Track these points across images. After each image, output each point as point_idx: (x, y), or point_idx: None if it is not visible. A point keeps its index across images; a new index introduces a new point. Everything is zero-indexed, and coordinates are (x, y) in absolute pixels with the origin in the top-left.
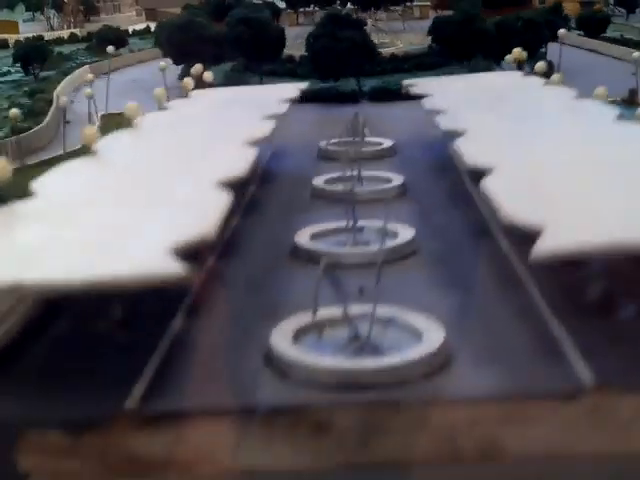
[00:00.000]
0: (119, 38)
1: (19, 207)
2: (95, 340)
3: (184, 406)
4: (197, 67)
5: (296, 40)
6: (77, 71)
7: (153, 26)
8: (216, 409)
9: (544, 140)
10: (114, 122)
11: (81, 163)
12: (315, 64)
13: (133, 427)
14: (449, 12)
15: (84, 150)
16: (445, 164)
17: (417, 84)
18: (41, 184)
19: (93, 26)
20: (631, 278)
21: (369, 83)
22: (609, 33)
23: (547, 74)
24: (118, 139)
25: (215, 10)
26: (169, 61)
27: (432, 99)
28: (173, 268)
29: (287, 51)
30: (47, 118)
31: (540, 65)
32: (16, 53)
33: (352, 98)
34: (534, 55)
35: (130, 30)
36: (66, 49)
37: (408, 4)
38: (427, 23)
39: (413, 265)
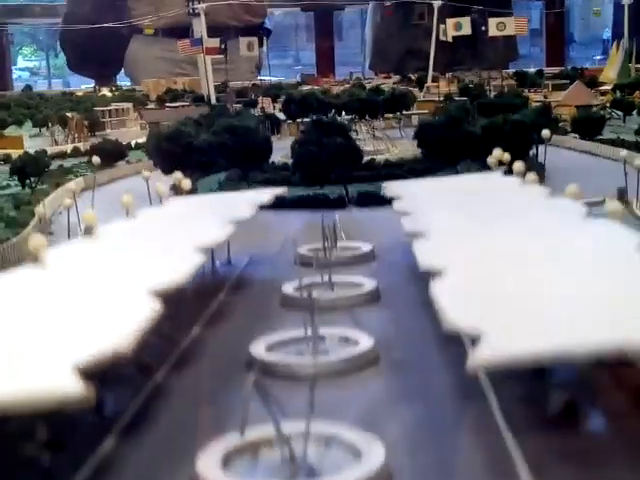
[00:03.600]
0: (118, 151)
1: None
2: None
3: None
4: (177, 176)
5: None
6: (69, 183)
7: None
8: None
9: (504, 239)
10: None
11: (24, 272)
12: (300, 171)
13: None
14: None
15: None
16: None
17: (394, 186)
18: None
19: (97, 141)
20: (597, 387)
21: (359, 189)
22: (605, 135)
23: (540, 176)
24: (68, 249)
25: (214, 123)
26: (158, 172)
27: (402, 201)
28: (71, 388)
29: (282, 159)
30: (28, 228)
31: (518, 166)
32: (13, 166)
33: (339, 204)
34: (523, 157)
35: (133, 143)
36: (68, 162)
37: (405, 112)
38: None
39: (367, 377)
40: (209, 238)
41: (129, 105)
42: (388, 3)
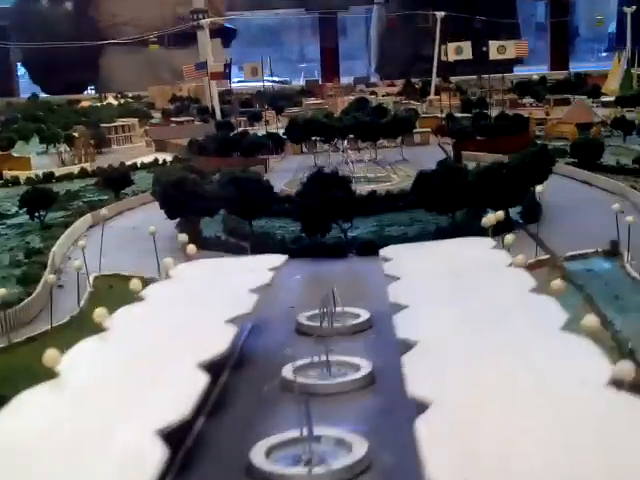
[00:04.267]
0: (124, 178)
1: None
2: None
3: None
4: (181, 238)
5: (297, 174)
6: (77, 222)
7: (161, 157)
8: None
9: (483, 349)
10: (106, 290)
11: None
12: (302, 222)
13: None
14: (448, 141)
15: (73, 323)
16: None
17: (390, 252)
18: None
19: (104, 158)
20: None
21: (363, 225)
22: (606, 157)
23: (533, 217)
24: (125, 315)
25: (220, 146)
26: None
27: (392, 264)
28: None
29: (285, 188)
30: (38, 289)
31: (508, 238)
32: (22, 199)
33: (339, 252)
34: (520, 201)
35: (138, 163)
36: (75, 185)
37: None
38: (428, 149)
39: None
40: (235, 309)
41: (134, 121)
42: (392, 15)
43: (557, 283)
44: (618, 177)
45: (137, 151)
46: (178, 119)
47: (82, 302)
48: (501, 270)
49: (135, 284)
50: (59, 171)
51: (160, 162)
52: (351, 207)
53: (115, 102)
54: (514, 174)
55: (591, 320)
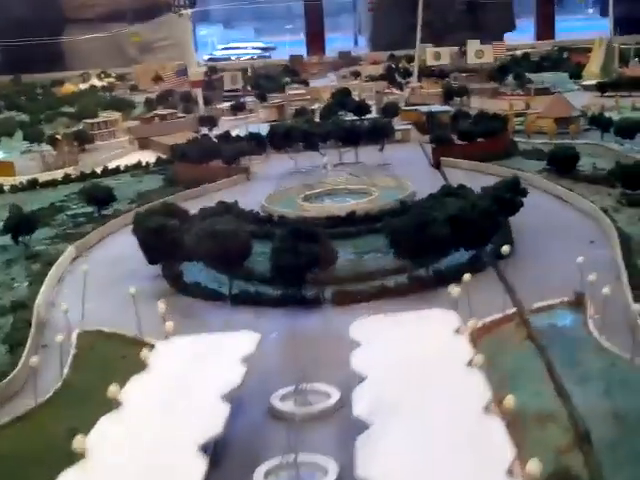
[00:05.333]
0: (106, 197)
1: None
2: None
3: None
4: (160, 308)
5: (278, 184)
6: (62, 257)
7: (144, 158)
8: None
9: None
10: (89, 351)
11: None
12: (278, 276)
13: None
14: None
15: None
16: None
17: (358, 325)
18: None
19: (87, 157)
20: None
21: (342, 249)
22: (583, 160)
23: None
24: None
25: (201, 154)
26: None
27: (359, 335)
28: None
29: (267, 205)
30: (21, 361)
31: (454, 292)
32: (6, 225)
33: (315, 303)
34: (489, 241)
35: (122, 165)
36: (59, 193)
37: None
38: (409, 151)
39: None
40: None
41: (117, 116)
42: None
43: (478, 359)
44: (591, 188)
45: (120, 148)
46: (161, 112)
47: (65, 369)
48: (447, 342)
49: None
50: (43, 176)
51: (143, 164)
52: (326, 258)
53: (99, 83)
54: (485, 215)
55: (509, 401)
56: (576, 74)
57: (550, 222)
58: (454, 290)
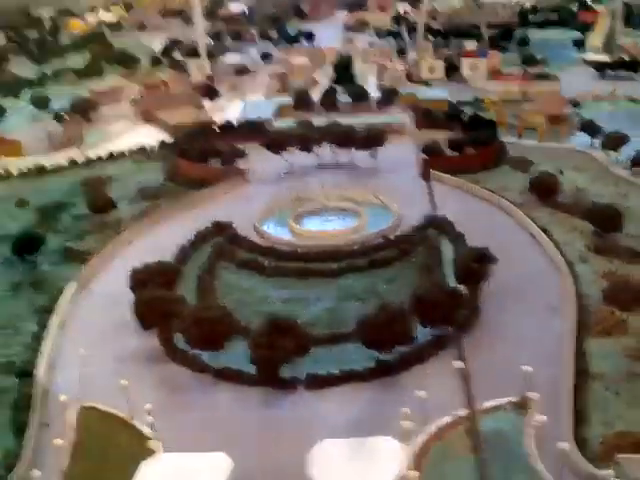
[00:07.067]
0: (110, 205)
1: None
2: None
3: None
4: (146, 409)
5: (271, 201)
6: (63, 298)
7: (148, 139)
8: None
9: None
10: (91, 428)
11: None
12: (257, 368)
13: None
14: (432, 131)
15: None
16: None
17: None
18: None
19: (93, 131)
20: None
21: (323, 293)
22: (566, 173)
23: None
24: None
25: (200, 153)
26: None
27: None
28: None
29: (259, 225)
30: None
31: (406, 425)
32: (14, 246)
33: (291, 385)
34: (453, 321)
35: (127, 152)
36: (65, 181)
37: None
38: (403, 153)
39: None
40: None
41: (122, 84)
42: None
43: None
44: (567, 223)
45: (124, 123)
46: (166, 78)
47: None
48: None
49: None
50: (49, 161)
51: (147, 148)
52: (304, 348)
53: (107, 16)
54: (451, 295)
55: None
56: (580, 40)
57: (518, 275)
58: (406, 424)
